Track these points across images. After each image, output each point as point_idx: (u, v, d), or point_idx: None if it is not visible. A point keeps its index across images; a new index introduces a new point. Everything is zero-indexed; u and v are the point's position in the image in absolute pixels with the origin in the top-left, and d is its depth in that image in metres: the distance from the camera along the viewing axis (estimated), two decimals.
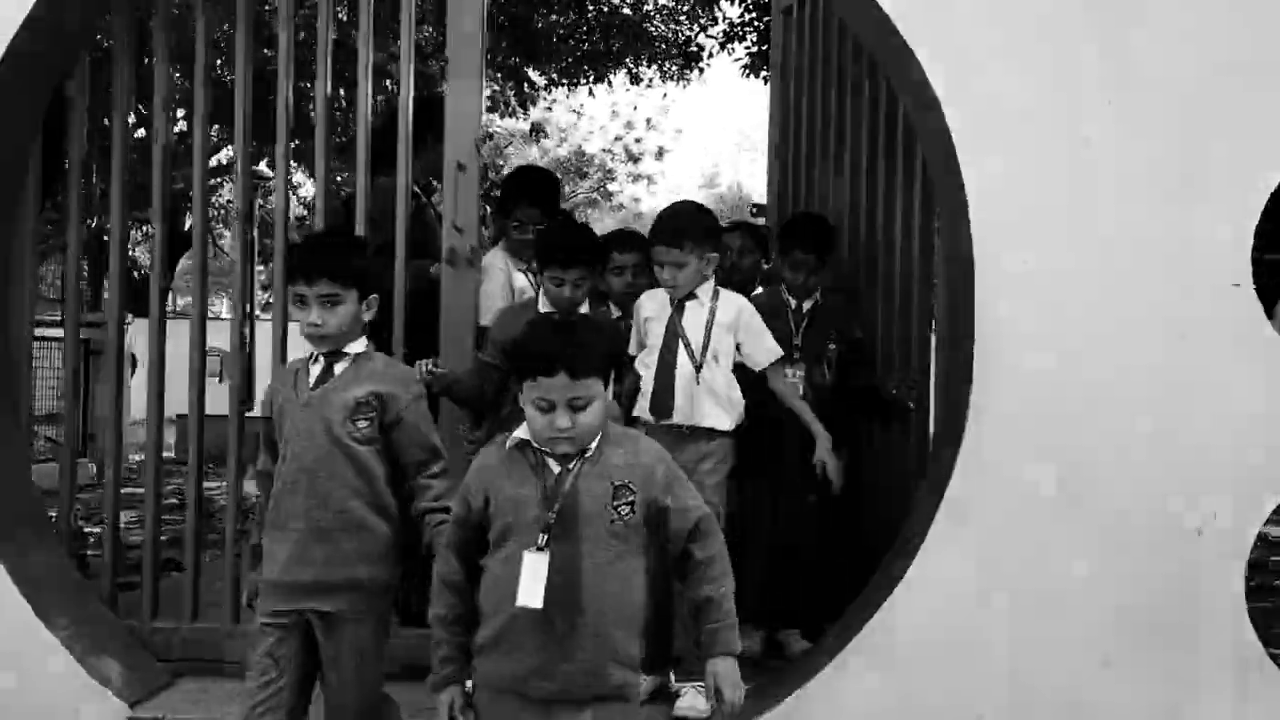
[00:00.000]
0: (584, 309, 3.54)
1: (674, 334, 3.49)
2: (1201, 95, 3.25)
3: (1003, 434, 3.26)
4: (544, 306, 3.53)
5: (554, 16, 10.60)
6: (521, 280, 3.96)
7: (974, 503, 3.27)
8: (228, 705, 3.39)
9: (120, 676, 3.41)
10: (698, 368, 3.46)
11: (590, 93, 12.16)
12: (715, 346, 3.48)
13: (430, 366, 3.36)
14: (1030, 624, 3.25)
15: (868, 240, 4.65)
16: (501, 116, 14.28)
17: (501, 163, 23.34)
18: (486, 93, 13.51)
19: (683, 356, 3.46)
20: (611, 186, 23.21)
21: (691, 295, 3.50)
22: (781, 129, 5.06)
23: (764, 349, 3.56)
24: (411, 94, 3.77)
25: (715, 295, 3.54)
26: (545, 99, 12.92)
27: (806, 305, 4.13)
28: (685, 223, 3.53)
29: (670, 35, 11.18)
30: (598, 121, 38.00)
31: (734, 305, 3.55)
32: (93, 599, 3.67)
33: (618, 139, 22.80)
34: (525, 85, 12.01)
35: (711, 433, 3.46)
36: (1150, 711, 3.25)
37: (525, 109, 12.47)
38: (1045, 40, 3.28)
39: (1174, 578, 3.25)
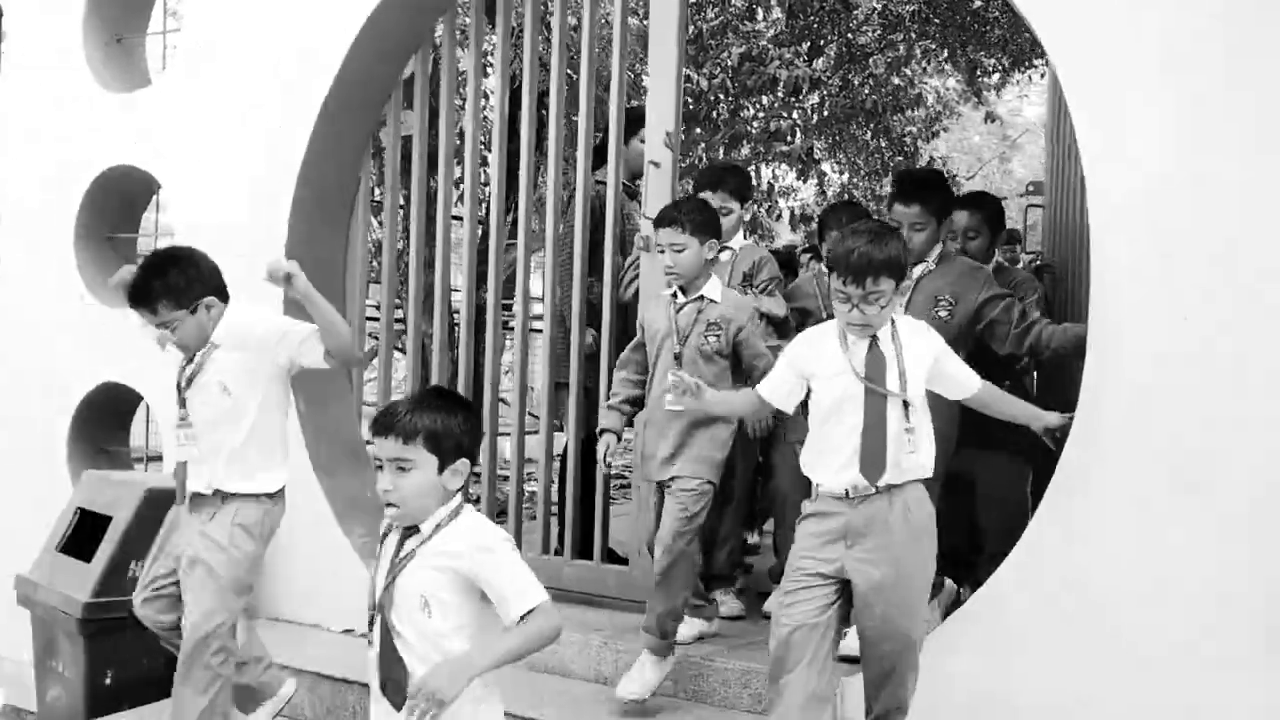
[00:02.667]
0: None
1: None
2: None
3: (1117, 416, 3.14)
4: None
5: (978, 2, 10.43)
6: None
7: (1084, 483, 3.18)
8: None
9: None
10: None
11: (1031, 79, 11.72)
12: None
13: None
14: (1147, 611, 3.09)
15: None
16: (971, 107, 14.12)
17: (1016, 154, 22.78)
18: (949, 83, 13.52)
19: None
20: None
21: (414, 529, 2.39)
22: (1052, 109, 4.90)
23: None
24: (622, 102, 4.35)
25: (452, 517, 2.39)
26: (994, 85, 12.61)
27: (916, 271, 3.80)
28: None
29: None
30: None
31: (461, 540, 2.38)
32: None
33: None
34: (977, 72, 11.88)
35: None
36: None
37: (979, 98, 12.29)
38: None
39: None
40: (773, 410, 3.19)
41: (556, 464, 4.77)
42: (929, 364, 2.96)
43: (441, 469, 2.35)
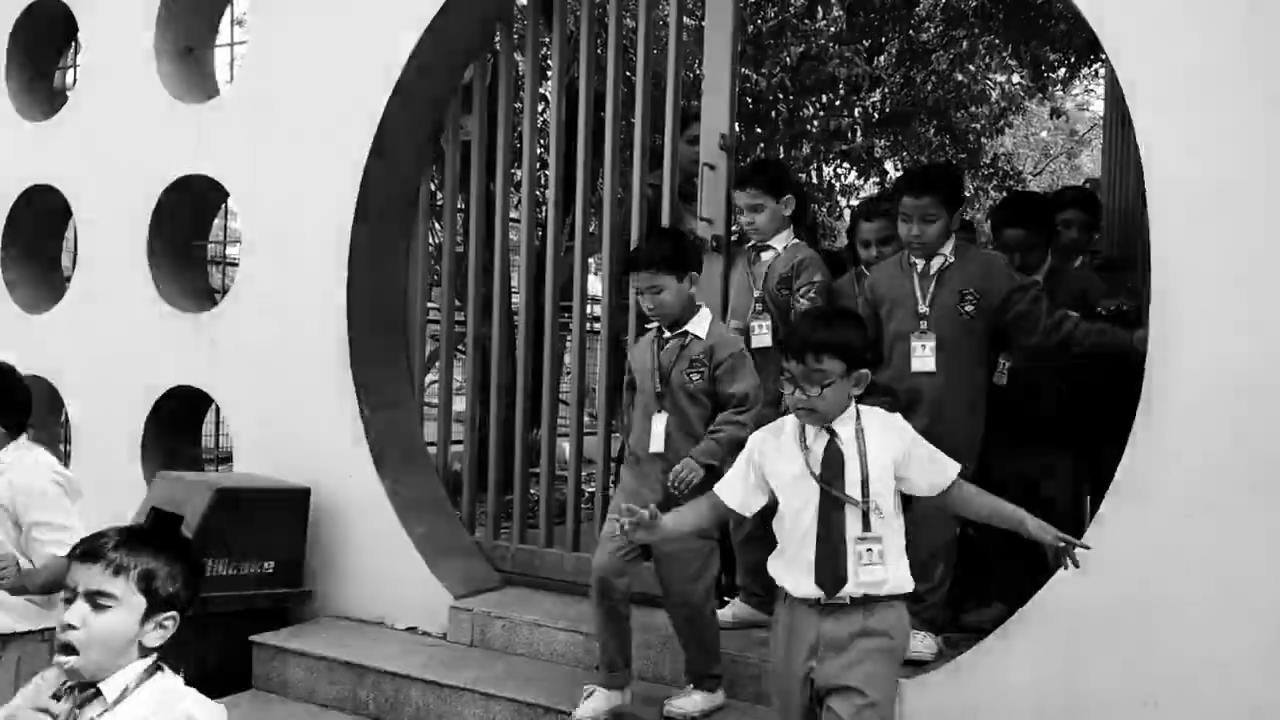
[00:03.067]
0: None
1: None
2: None
3: (1183, 415, 3.10)
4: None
5: None
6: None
7: (1150, 482, 3.14)
8: (524, 608, 4.30)
9: (453, 574, 4.46)
10: None
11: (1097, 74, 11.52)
12: None
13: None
14: (1212, 614, 3.05)
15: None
16: (1038, 102, 13.93)
17: (1084, 149, 22.38)
18: (1015, 79, 13.33)
19: None
20: None
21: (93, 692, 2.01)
22: (1113, 102, 4.83)
23: None
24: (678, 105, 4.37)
25: (144, 680, 2.01)
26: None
27: (935, 264, 3.67)
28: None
29: None
30: None
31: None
32: (450, 517, 4.76)
33: None
34: (1042, 68, 11.71)
35: None
36: None
37: (1044, 93, 12.11)
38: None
39: None
40: (736, 517, 2.86)
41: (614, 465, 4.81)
42: (898, 460, 2.67)
43: (147, 618, 1.97)
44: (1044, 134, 20.93)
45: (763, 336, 3.90)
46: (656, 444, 3.47)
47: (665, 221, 4.36)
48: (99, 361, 5.22)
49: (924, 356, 3.59)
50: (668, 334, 3.52)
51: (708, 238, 4.18)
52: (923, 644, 3.57)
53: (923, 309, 3.65)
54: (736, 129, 4.39)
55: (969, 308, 3.63)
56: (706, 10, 4.27)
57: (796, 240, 4.03)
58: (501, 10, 4.76)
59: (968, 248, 3.80)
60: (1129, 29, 3.21)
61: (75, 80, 5.69)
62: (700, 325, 3.49)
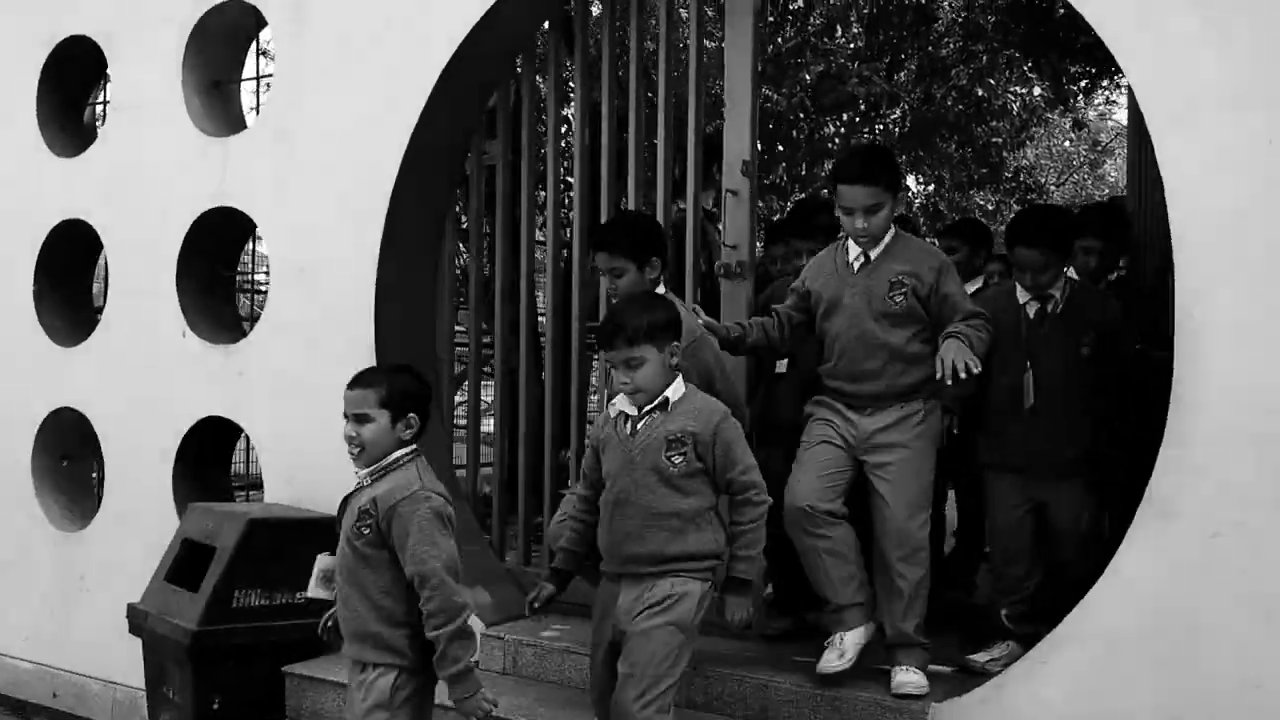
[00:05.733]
0: None
1: None
2: None
3: (1210, 434, 3.08)
4: None
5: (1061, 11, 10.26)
6: None
7: (1179, 501, 3.12)
8: (555, 635, 4.30)
9: (486, 601, 4.47)
10: None
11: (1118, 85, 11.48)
12: None
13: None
14: (1242, 633, 3.03)
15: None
16: (1059, 114, 13.89)
17: (1107, 159, 22.30)
18: (1036, 91, 13.32)
19: None
20: None
21: None
22: (1136, 116, 4.82)
23: None
24: (700, 133, 4.39)
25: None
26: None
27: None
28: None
29: None
30: None
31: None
32: (480, 542, 4.78)
33: None
34: (1063, 80, 11.69)
35: None
36: None
37: (1066, 105, 12.09)
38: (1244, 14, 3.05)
39: None
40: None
41: None
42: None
43: None
44: (1066, 144, 20.86)
45: None
46: None
47: (690, 245, 4.37)
48: (130, 393, 5.28)
49: None
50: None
51: (733, 263, 4.20)
52: None
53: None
54: (758, 147, 4.42)
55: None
56: (726, 39, 4.30)
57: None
58: (525, 36, 4.80)
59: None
60: (1144, 45, 3.21)
61: (105, 116, 5.77)
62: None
